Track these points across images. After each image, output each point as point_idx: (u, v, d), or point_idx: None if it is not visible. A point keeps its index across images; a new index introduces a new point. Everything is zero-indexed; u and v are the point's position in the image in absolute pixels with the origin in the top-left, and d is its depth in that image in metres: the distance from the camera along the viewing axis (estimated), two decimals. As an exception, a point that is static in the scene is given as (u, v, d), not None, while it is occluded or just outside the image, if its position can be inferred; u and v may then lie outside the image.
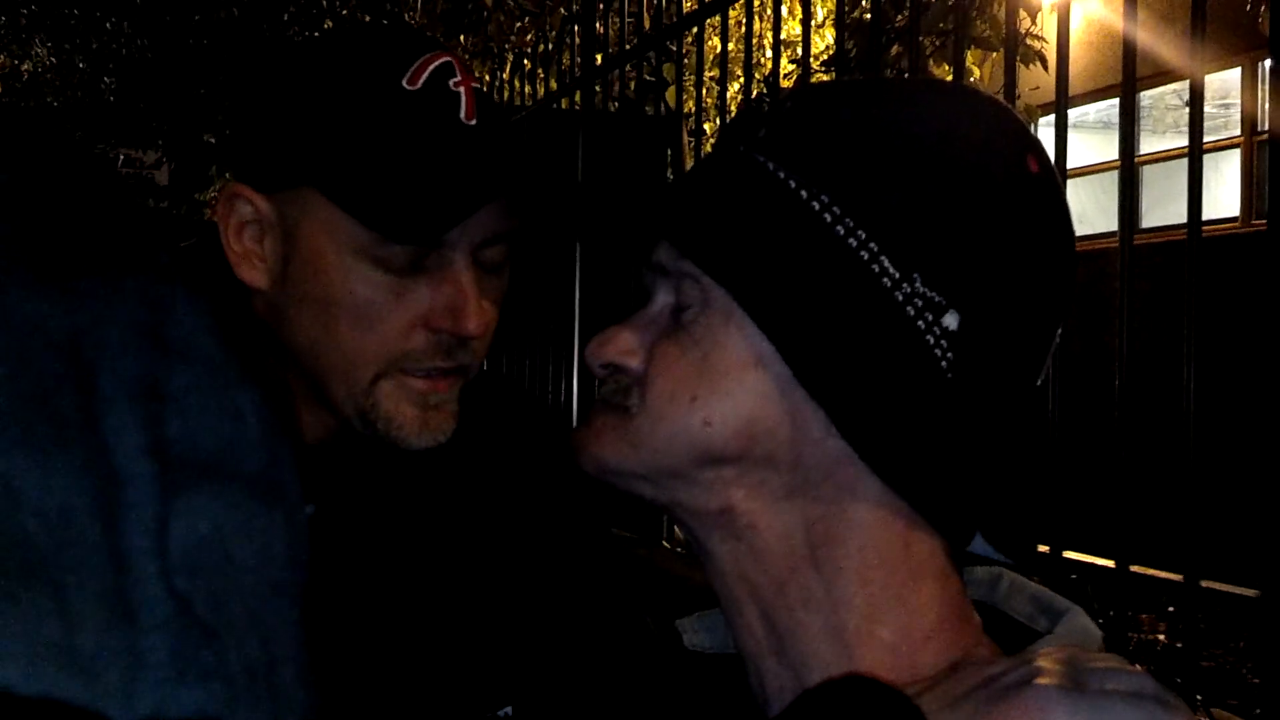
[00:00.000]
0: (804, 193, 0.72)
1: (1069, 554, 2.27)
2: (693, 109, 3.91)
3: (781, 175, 0.73)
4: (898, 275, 0.70)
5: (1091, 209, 9.22)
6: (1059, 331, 0.78)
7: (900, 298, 0.70)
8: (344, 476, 1.08)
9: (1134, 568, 2.16)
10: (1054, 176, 0.77)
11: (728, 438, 0.72)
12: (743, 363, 0.72)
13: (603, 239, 1.16)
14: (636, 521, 3.66)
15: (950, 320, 0.71)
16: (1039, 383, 0.78)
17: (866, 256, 0.70)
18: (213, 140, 12.30)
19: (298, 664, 0.47)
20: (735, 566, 0.75)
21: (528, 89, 5.10)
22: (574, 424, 3.45)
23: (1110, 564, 2.19)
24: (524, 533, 1.13)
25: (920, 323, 0.70)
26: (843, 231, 0.71)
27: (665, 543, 3.60)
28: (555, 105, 4.73)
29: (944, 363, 0.70)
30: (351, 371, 1.01)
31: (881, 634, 0.73)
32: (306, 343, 1.02)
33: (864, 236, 0.71)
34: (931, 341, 0.70)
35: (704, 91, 3.86)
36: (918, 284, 0.70)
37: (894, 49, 3.67)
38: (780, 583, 0.74)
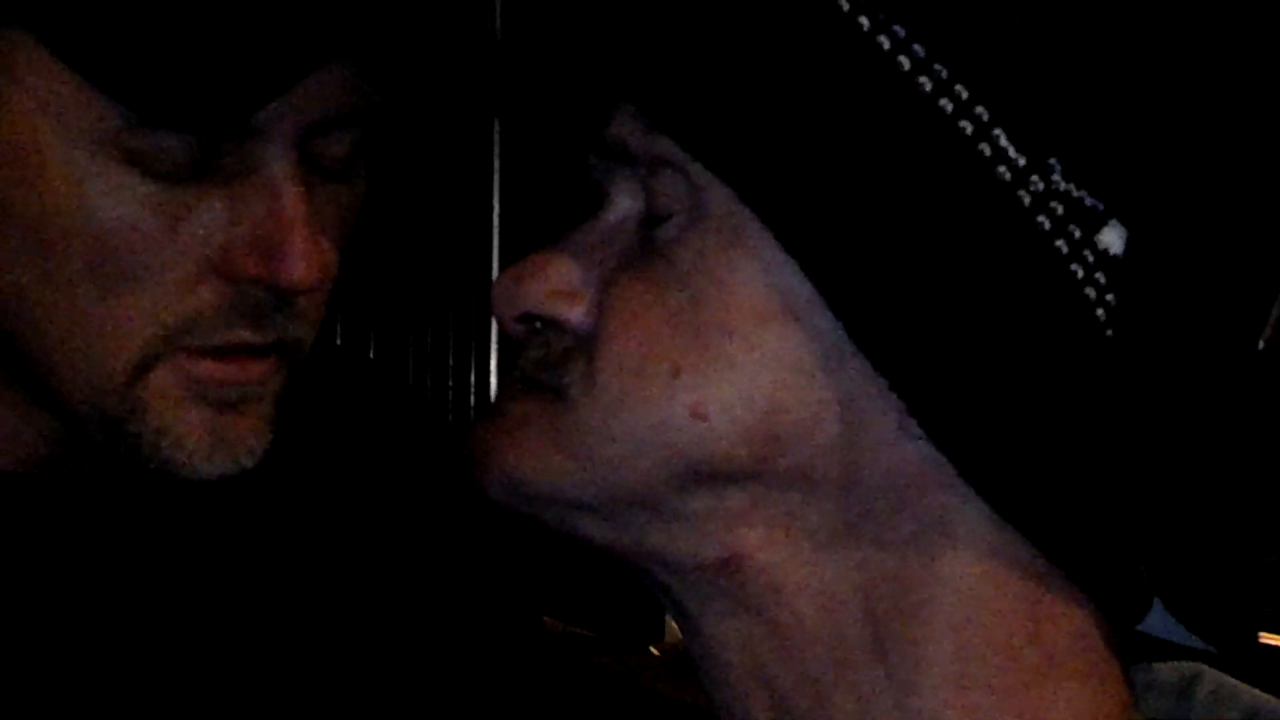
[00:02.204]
0: (864, 20, 0.61)
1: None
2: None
3: None
4: (1022, 161, 0.60)
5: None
6: None
7: (1027, 199, 0.60)
8: (74, 511, 0.90)
9: None
10: None
11: (734, 439, 0.62)
12: (760, 312, 0.63)
13: (537, 116, 0.93)
14: (594, 605, 2.98)
15: (1110, 238, 0.61)
16: (1262, 345, 0.67)
17: (970, 129, 0.60)
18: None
19: None
20: (746, 657, 0.65)
21: None
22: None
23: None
24: (380, 610, 0.97)
25: (1060, 241, 0.61)
26: (930, 86, 0.60)
27: (653, 648, 3.13)
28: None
29: (1100, 310, 0.61)
30: (95, 353, 0.82)
31: None
32: (11, 300, 0.83)
33: (965, 95, 0.60)
34: (1080, 273, 0.61)
35: None
36: (1055, 176, 0.61)
37: None
38: (821, 684, 0.64)
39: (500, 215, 3.16)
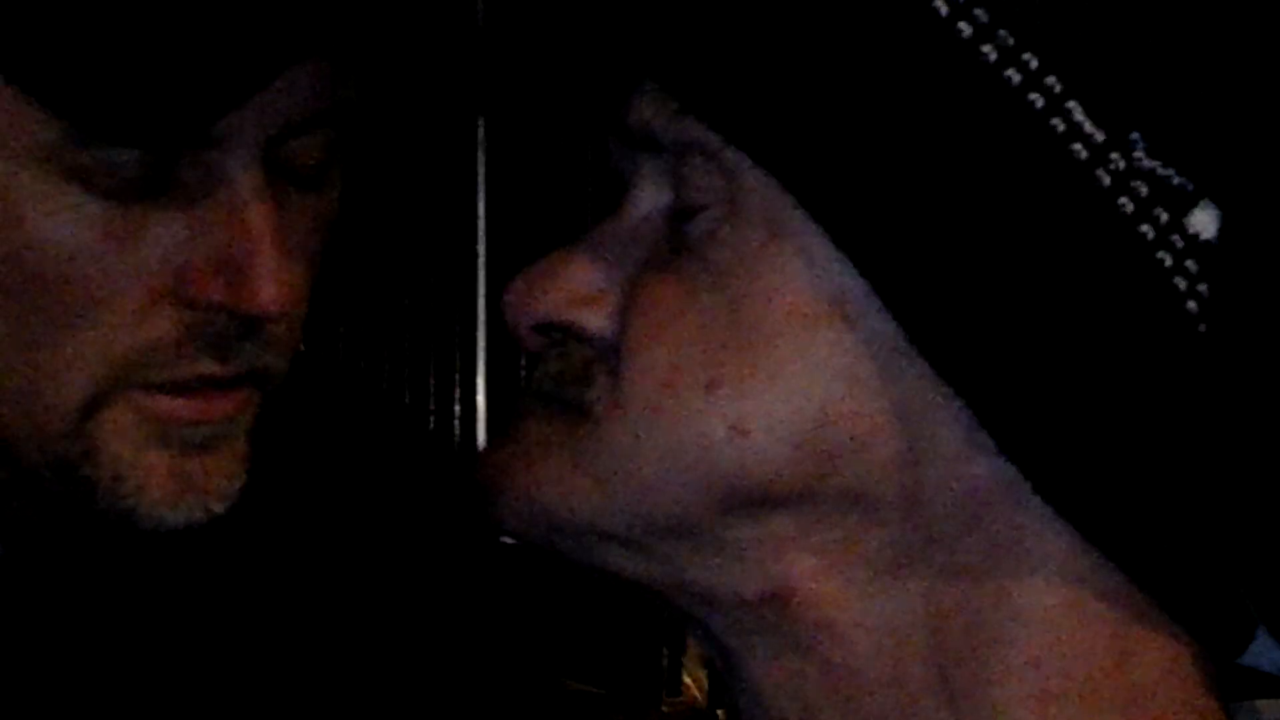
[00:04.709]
0: None
1: None
2: None
3: None
4: (1100, 137, 0.58)
5: None
6: None
7: (1107, 179, 0.59)
8: (26, 568, 0.86)
9: None
10: None
11: (780, 458, 0.61)
12: (807, 314, 0.61)
13: (529, 105, 0.98)
14: (601, 657, 2.82)
15: (1202, 221, 0.59)
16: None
17: (1041, 102, 0.59)
18: None
19: None
20: (795, 703, 0.63)
21: None
22: (479, 446, 2.51)
23: None
24: (373, 675, 0.92)
25: (1145, 226, 0.59)
26: (995, 56, 0.59)
27: (665, 704, 3.23)
28: None
29: (1191, 302, 0.59)
30: (40, 391, 0.78)
31: None
32: None
33: (1034, 65, 0.59)
34: (1168, 261, 0.59)
35: None
36: (1138, 152, 0.59)
37: None
38: None
39: (486, 209, 2.98)
